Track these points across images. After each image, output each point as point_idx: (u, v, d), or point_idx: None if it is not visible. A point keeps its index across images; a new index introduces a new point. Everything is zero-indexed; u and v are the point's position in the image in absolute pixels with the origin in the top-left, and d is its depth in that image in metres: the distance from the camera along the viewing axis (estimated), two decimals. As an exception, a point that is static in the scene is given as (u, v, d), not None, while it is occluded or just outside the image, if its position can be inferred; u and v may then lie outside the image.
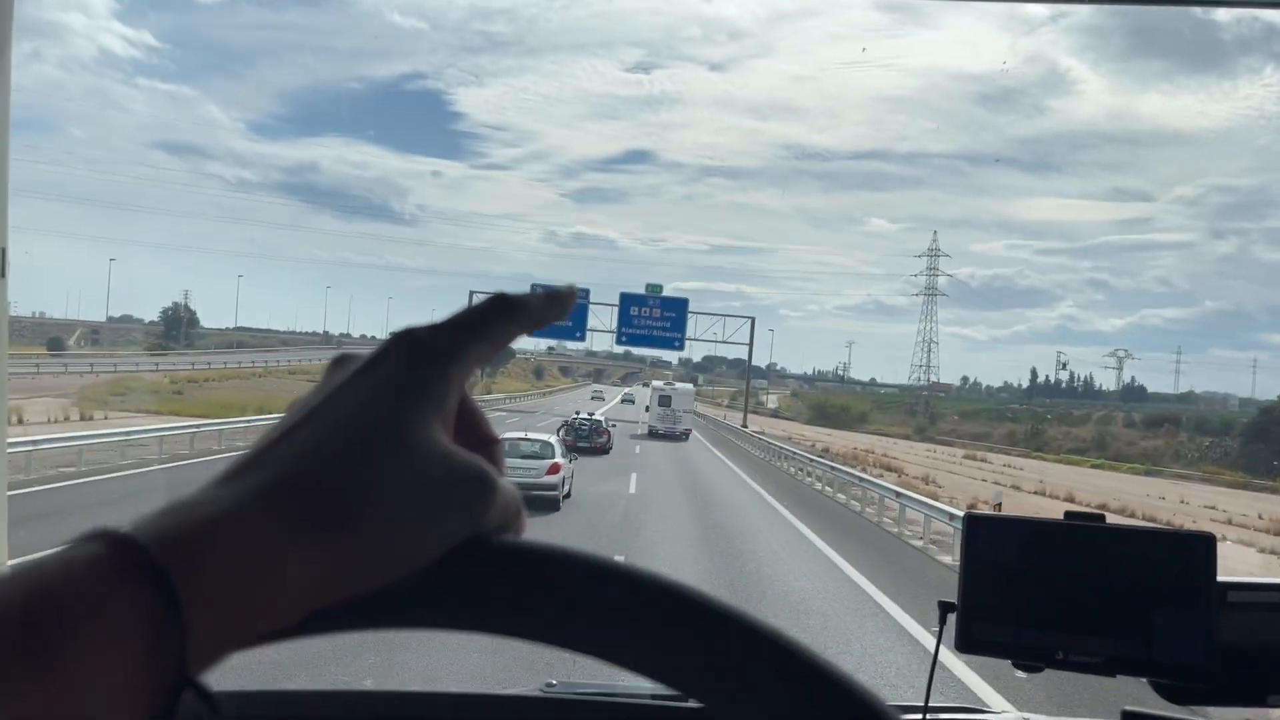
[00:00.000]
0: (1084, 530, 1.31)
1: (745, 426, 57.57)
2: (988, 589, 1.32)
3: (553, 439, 20.17)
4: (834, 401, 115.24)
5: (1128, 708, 1.34)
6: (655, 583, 0.41)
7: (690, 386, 59.35)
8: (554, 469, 18.28)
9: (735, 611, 0.41)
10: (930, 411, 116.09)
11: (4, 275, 1.28)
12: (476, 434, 0.47)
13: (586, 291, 53.60)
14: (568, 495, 19.07)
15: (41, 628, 0.33)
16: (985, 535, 1.34)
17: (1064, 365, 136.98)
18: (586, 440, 31.30)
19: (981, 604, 1.32)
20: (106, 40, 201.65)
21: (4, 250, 1.25)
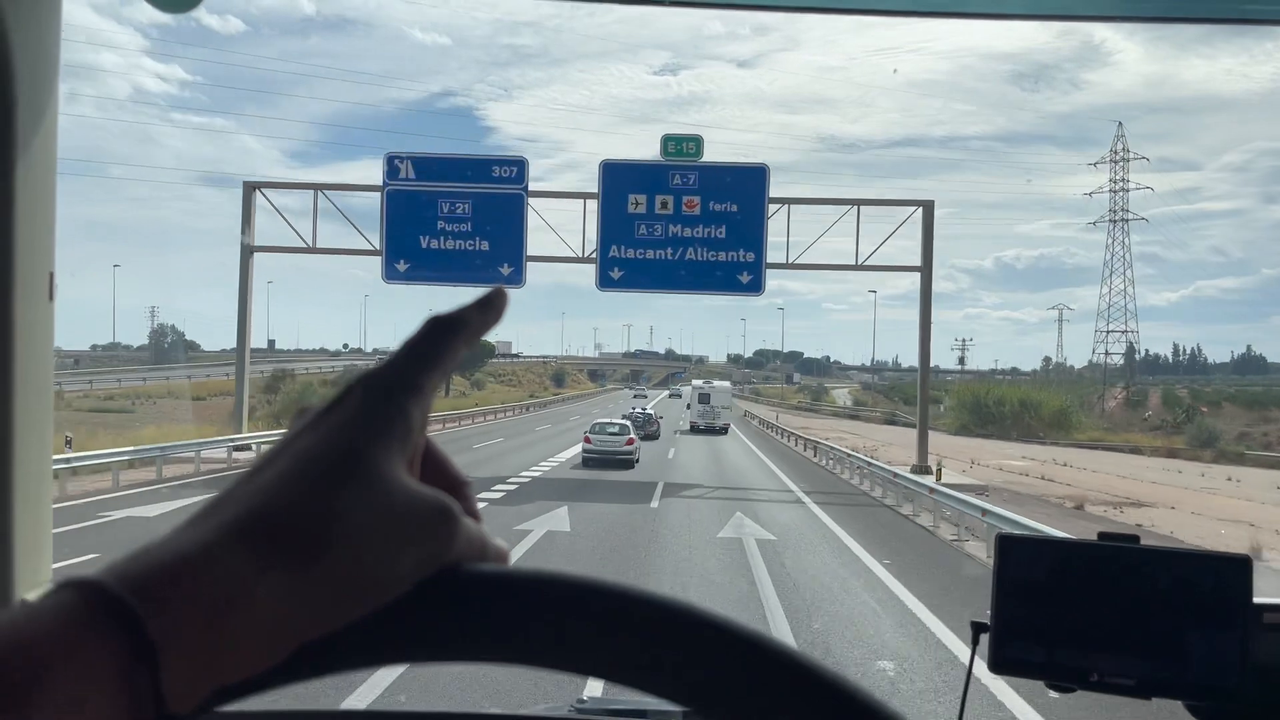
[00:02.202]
0: (1118, 551, 1.30)
1: (935, 472, 25.04)
2: (1021, 609, 1.32)
3: (628, 423, 32.30)
4: (1012, 395, 65.47)
5: None
6: (635, 597, 0.42)
7: (727, 384, 63.93)
8: (630, 441, 30.08)
9: (721, 620, 0.41)
10: (1189, 408, 68.29)
11: (51, 299, 1.30)
12: (444, 477, 0.48)
13: (522, 162, 27.41)
14: (637, 460, 29.70)
15: (11, 678, 0.33)
16: (1018, 556, 1.34)
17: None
18: (641, 429, 40.67)
19: (1015, 624, 1.31)
20: (140, 78, 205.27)
21: (51, 274, 1.27)
